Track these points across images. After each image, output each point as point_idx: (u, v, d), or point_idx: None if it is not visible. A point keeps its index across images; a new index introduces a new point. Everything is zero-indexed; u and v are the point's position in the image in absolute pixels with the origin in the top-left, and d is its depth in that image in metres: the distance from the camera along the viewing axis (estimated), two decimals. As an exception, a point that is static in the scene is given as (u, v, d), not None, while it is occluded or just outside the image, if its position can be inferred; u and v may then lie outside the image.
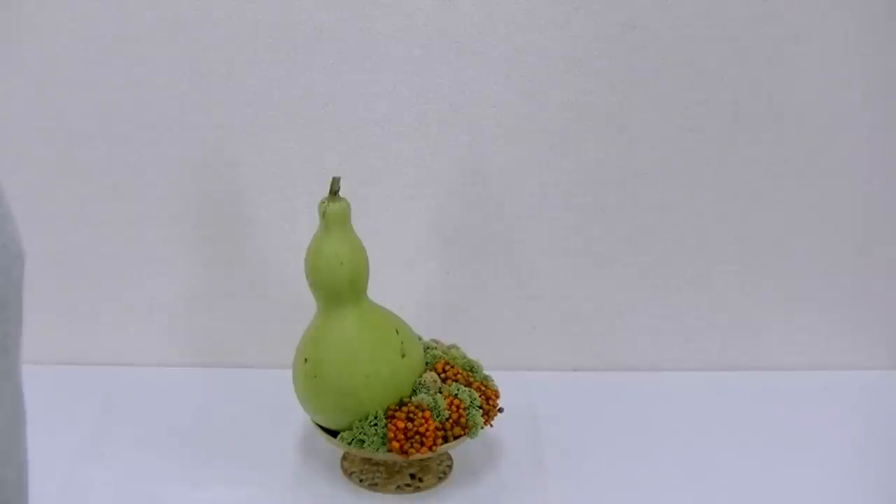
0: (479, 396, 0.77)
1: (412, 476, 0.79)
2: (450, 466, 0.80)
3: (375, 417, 0.73)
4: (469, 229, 0.93)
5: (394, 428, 0.72)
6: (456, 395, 0.75)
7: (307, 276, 0.74)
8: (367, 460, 0.80)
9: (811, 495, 0.78)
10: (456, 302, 0.95)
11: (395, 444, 0.72)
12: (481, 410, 0.76)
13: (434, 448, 0.72)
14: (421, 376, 0.77)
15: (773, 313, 0.97)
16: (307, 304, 0.76)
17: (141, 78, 0.87)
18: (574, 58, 0.87)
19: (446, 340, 0.84)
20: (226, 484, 0.79)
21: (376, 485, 0.78)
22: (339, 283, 0.73)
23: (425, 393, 0.75)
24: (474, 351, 0.83)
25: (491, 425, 0.77)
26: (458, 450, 0.78)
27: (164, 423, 0.87)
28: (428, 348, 0.81)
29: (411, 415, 0.73)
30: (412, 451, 0.72)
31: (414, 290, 0.94)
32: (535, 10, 0.85)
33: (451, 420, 0.74)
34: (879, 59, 0.88)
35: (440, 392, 0.76)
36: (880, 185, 0.92)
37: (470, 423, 0.74)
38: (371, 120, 0.89)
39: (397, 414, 0.73)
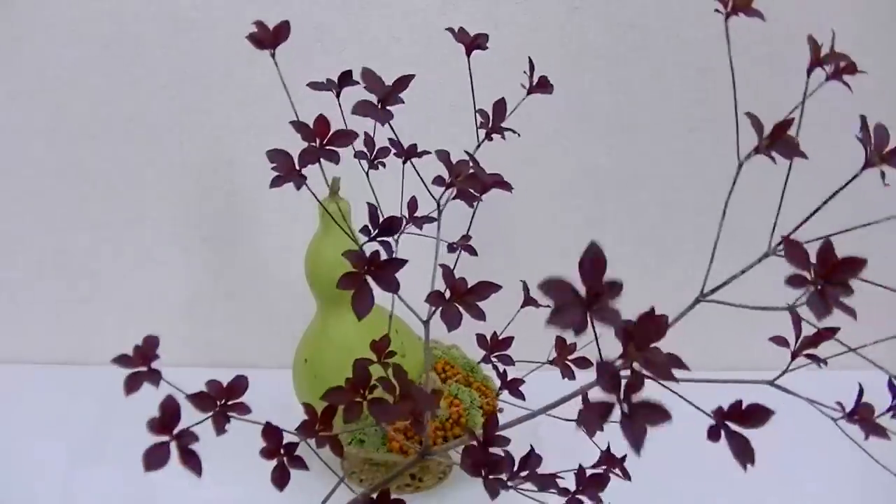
0: (479, 396, 0.77)
1: (412, 476, 0.79)
2: (450, 466, 0.80)
3: (375, 417, 0.73)
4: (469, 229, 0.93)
5: (394, 428, 0.72)
6: (456, 395, 0.75)
7: (307, 277, 0.74)
8: (367, 460, 0.80)
9: (811, 495, 0.78)
10: (456, 302, 0.95)
11: (395, 444, 0.72)
12: (481, 410, 0.76)
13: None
14: (421, 376, 0.77)
15: (773, 313, 0.97)
16: (307, 304, 0.76)
17: (141, 78, 0.87)
18: (574, 58, 0.87)
19: (446, 340, 0.84)
20: (226, 484, 0.79)
21: (376, 485, 0.78)
22: (339, 284, 0.73)
23: (425, 393, 0.75)
24: (474, 351, 0.83)
25: (491, 425, 0.77)
26: (458, 450, 0.78)
27: (164, 423, 0.86)
28: (428, 348, 0.81)
29: (411, 415, 0.73)
30: (412, 451, 0.72)
31: (414, 291, 0.94)
32: (535, 10, 0.85)
33: (451, 420, 0.74)
34: (880, 59, 0.88)
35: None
36: (880, 184, 0.92)
37: (470, 423, 0.74)
38: (371, 119, 0.89)
39: (397, 414, 0.73)
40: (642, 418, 0.38)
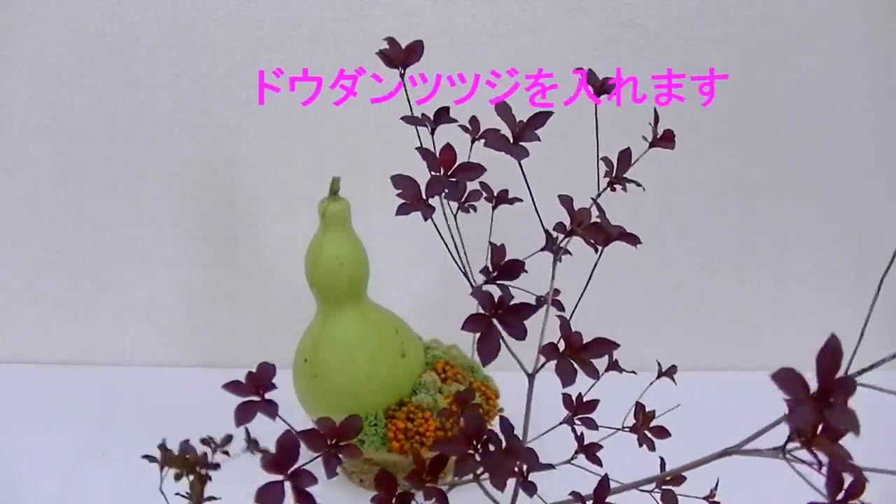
0: (480, 396, 0.76)
1: (412, 476, 0.79)
2: (450, 465, 0.80)
3: (375, 417, 0.73)
4: (469, 229, 0.93)
5: (394, 428, 0.72)
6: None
7: (307, 276, 0.74)
8: (368, 460, 0.80)
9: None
10: (456, 302, 0.95)
11: (395, 444, 0.72)
12: (481, 410, 0.76)
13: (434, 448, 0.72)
14: (421, 376, 0.77)
15: (773, 313, 0.97)
16: (307, 304, 0.76)
17: (141, 78, 0.87)
18: (574, 58, 0.87)
19: (446, 340, 0.84)
20: (225, 484, 0.79)
21: (376, 485, 0.78)
22: (339, 283, 0.72)
23: (425, 393, 0.75)
24: (474, 351, 0.83)
25: (491, 425, 0.77)
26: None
27: (164, 423, 0.86)
28: (428, 348, 0.81)
29: (411, 415, 0.73)
30: (412, 451, 0.72)
31: (414, 290, 0.94)
32: (535, 10, 0.85)
33: (452, 420, 0.74)
34: (881, 59, 0.88)
35: (440, 392, 0.76)
36: (881, 184, 0.92)
37: (470, 423, 0.74)
38: (371, 120, 0.89)
39: (397, 414, 0.73)
40: None
